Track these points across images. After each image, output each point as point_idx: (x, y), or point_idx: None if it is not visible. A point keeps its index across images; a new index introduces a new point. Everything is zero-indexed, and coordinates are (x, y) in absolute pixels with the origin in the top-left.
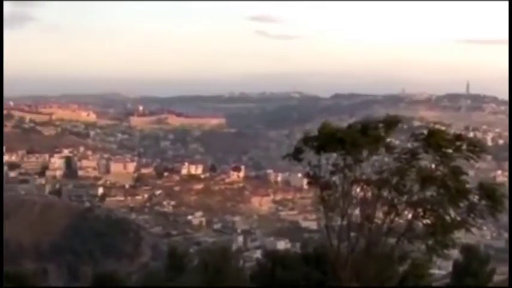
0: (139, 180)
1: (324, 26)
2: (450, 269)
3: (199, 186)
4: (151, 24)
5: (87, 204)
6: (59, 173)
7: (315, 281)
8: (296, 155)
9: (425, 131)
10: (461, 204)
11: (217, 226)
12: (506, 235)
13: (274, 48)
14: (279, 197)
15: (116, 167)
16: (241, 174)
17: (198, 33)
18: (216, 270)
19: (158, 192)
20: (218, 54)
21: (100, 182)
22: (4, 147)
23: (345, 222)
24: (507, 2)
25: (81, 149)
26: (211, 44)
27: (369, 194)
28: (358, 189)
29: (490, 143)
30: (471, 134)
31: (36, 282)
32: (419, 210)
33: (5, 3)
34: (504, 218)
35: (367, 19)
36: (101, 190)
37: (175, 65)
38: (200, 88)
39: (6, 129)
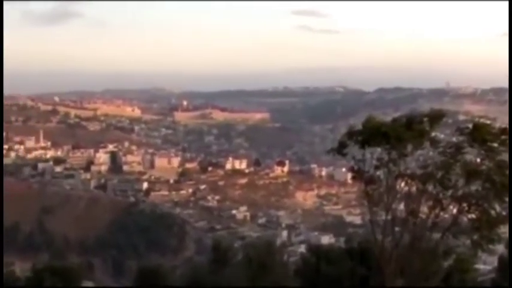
0: (183, 175)
1: (368, 20)
2: (496, 264)
3: (243, 180)
4: (195, 20)
5: (132, 199)
6: (104, 168)
7: (359, 276)
8: (340, 149)
9: (470, 125)
10: (507, 199)
11: (261, 221)
12: None
13: (318, 42)
14: (323, 191)
15: (160, 162)
16: (286, 168)
17: (242, 27)
18: (260, 264)
19: (202, 186)
20: (262, 49)
21: (145, 177)
22: (49, 142)
23: (389, 217)
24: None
25: (126, 144)
26: (255, 39)
27: (414, 188)
28: (402, 184)
29: None
30: None
31: (82, 276)
32: (464, 204)
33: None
34: None
35: (411, 13)
36: (145, 185)
37: (219, 59)
38: (244, 82)
39: (51, 125)
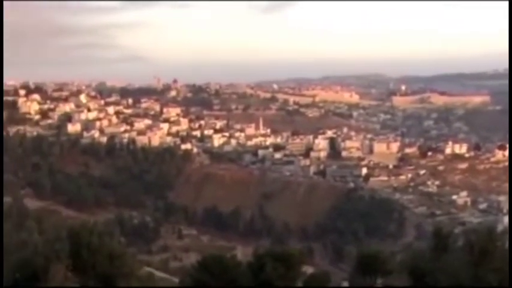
0: (402, 160)
1: None
2: None
3: (463, 165)
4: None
5: (351, 184)
6: (323, 154)
7: None
8: None
9: None
10: None
11: (482, 206)
12: None
13: None
14: None
15: (379, 147)
16: (507, 152)
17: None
18: (481, 251)
19: (422, 171)
20: (481, 31)
21: (363, 163)
22: (269, 129)
23: None
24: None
25: (345, 129)
26: (474, 21)
27: None
28: None
29: None
30: None
31: (302, 262)
32: None
33: None
34: None
35: None
36: (364, 170)
37: (438, 44)
38: (463, 65)
39: (270, 112)
